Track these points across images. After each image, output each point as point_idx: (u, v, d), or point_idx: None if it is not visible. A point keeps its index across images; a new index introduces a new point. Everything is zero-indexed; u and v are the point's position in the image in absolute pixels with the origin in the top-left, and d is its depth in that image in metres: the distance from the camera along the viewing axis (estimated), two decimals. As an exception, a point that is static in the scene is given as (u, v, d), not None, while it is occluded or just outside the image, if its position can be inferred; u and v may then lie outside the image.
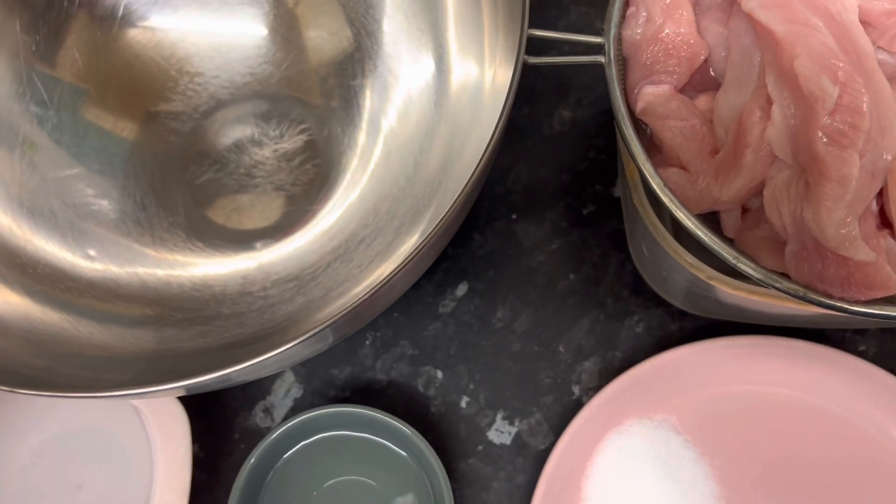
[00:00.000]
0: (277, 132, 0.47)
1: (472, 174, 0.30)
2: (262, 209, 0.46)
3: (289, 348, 0.30)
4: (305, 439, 0.40)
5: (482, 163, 0.30)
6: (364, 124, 0.46)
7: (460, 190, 0.30)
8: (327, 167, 0.46)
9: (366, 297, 0.30)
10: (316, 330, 0.30)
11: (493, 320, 0.45)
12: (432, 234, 0.30)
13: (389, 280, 0.30)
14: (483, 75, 0.40)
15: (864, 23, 0.32)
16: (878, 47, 0.33)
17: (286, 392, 0.44)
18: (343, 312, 0.30)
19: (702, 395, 0.41)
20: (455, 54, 0.42)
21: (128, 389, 0.31)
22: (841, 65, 0.30)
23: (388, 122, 0.45)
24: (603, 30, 0.36)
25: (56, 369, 0.35)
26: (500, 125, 0.31)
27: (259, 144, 0.47)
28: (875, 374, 0.40)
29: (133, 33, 0.46)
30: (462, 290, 0.45)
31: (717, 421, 0.41)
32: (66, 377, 0.35)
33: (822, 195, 0.30)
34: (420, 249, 0.30)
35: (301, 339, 0.30)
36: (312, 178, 0.46)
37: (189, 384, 0.31)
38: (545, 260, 0.46)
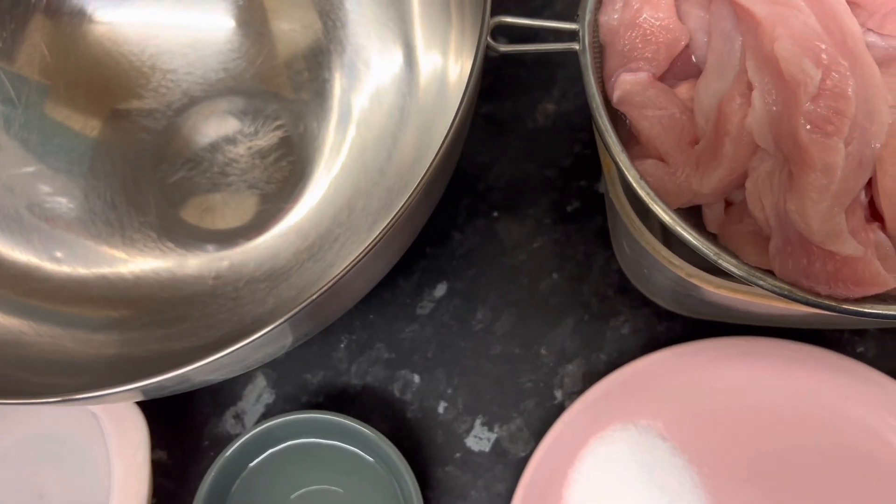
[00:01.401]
0: (252, 129, 0.46)
1: (431, 163, 0.29)
2: (235, 208, 0.45)
3: (243, 346, 0.28)
4: (272, 447, 0.38)
5: (441, 151, 0.29)
6: (338, 117, 0.44)
7: (418, 183, 0.29)
8: (302, 164, 0.45)
9: (320, 293, 0.28)
10: (272, 326, 0.28)
11: (472, 322, 0.43)
12: (390, 225, 0.29)
13: (345, 273, 0.28)
14: (452, 66, 0.39)
15: (852, 3, 0.30)
16: (867, 29, 0.31)
17: (257, 398, 0.42)
18: (299, 308, 0.28)
19: (689, 399, 0.39)
20: (423, 43, 0.41)
21: (79, 394, 0.29)
22: (824, 47, 0.28)
23: (363, 113, 0.44)
24: (578, 16, 0.35)
25: (9, 375, 0.34)
26: (458, 115, 0.29)
27: (233, 142, 0.46)
28: (874, 377, 0.38)
29: (103, 29, 0.45)
30: (441, 290, 0.44)
31: (706, 427, 0.39)
32: (18, 383, 0.33)
33: (805, 186, 0.28)
34: (377, 241, 0.29)
35: (257, 335, 0.28)
36: (287, 175, 0.45)
37: (144, 385, 0.29)
38: (527, 259, 0.44)
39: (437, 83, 0.40)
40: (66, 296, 0.41)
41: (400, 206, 0.40)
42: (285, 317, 0.27)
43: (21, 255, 0.41)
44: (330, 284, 0.28)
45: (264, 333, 0.27)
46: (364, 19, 0.42)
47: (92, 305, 0.41)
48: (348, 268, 0.28)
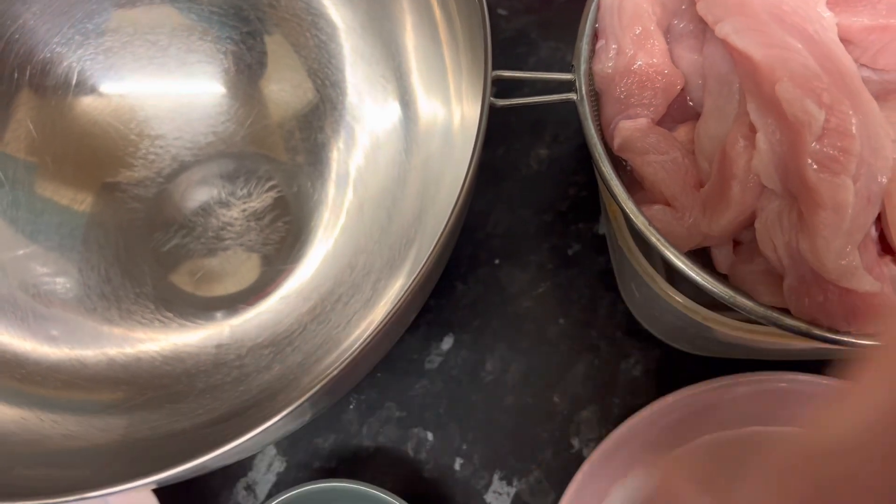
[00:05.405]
0: (245, 191, 0.45)
1: (443, 229, 0.28)
2: (232, 273, 0.44)
3: (263, 431, 0.28)
4: (290, 520, 0.37)
5: (453, 216, 0.28)
6: (334, 176, 0.44)
7: (433, 245, 0.28)
8: (299, 224, 0.44)
9: (340, 368, 0.28)
10: (292, 407, 0.28)
11: (482, 373, 0.42)
12: (407, 293, 0.28)
13: (366, 346, 0.28)
14: (451, 119, 0.39)
15: (845, 40, 0.31)
16: (861, 65, 0.31)
17: (268, 467, 0.41)
18: (321, 383, 0.28)
19: (709, 438, 0.39)
20: (421, 100, 0.41)
21: (92, 490, 0.28)
22: (825, 87, 0.28)
23: (359, 172, 0.44)
24: (573, 66, 0.35)
25: (10, 471, 0.33)
26: (468, 177, 0.29)
27: (226, 205, 0.45)
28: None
29: (88, 100, 0.45)
30: (448, 343, 0.43)
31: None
32: (19, 479, 0.32)
33: (817, 225, 0.28)
34: (399, 307, 0.28)
35: (276, 418, 0.28)
36: (284, 236, 0.44)
37: (160, 478, 0.28)
38: (532, 305, 0.43)
39: (434, 138, 0.40)
40: (65, 376, 0.40)
41: (406, 263, 0.40)
42: (307, 395, 0.26)
43: (16, 338, 0.40)
44: (352, 356, 0.27)
45: (286, 415, 0.26)
46: (355, 78, 0.42)
47: (93, 385, 0.40)
48: (371, 336, 0.27)
